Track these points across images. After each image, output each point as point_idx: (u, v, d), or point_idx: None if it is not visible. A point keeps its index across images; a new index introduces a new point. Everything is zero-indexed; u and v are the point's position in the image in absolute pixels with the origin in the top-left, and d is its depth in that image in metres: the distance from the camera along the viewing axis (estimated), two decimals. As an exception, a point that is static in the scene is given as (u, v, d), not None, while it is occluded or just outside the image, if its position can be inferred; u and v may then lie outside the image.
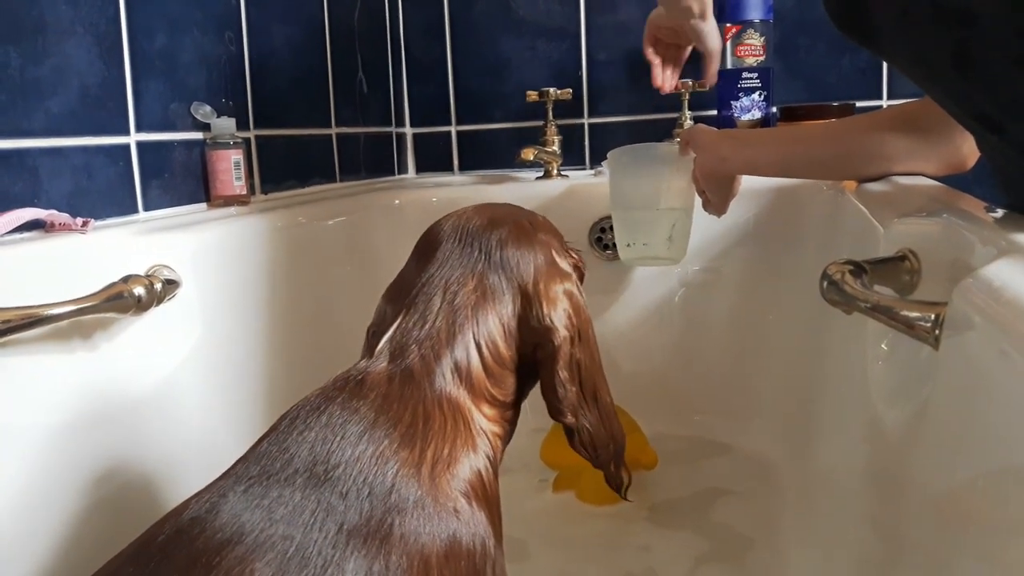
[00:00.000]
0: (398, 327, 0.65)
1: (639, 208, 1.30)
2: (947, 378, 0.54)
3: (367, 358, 0.64)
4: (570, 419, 0.69)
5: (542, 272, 0.69)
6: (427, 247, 0.71)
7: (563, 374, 0.68)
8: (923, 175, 1.00)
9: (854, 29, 0.69)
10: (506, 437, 0.67)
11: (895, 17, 0.63)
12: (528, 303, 0.68)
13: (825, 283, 0.68)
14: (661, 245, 1.30)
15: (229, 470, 0.55)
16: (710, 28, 1.27)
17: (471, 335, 0.65)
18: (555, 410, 0.69)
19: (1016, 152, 0.61)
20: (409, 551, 0.51)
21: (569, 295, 0.70)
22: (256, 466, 0.54)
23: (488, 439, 0.63)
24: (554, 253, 0.71)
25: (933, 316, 0.54)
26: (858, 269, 0.68)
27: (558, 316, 0.68)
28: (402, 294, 0.69)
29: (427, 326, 0.65)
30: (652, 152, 1.30)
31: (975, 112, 0.62)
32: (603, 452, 0.72)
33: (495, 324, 0.66)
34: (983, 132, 0.63)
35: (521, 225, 0.72)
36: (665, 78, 1.39)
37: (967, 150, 0.97)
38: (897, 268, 0.71)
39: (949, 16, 0.58)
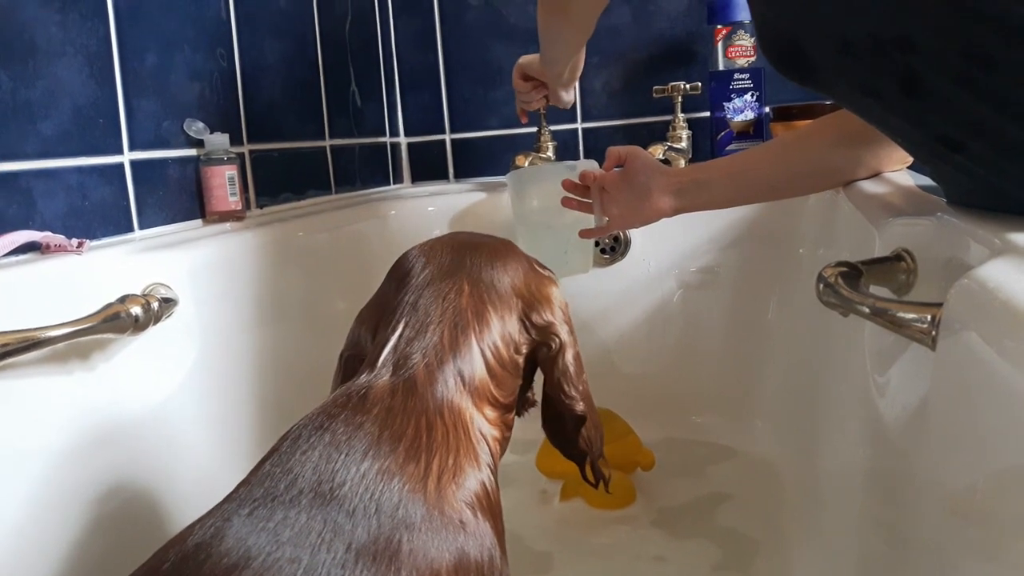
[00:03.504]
0: (400, 337, 0.66)
1: (537, 223, 1.35)
2: (945, 378, 0.54)
3: (368, 372, 0.64)
4: (582, 408, 0.72)
5: (531, 275, 0.73)
6: (407, 270, 0.73)
7: (572, 366, 0.71)
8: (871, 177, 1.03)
9: (794, 70, 0.69)
10: (504, 442, 0.68)
11: (835, 53, 0.63)
12: (527, 305, 0.70)
13: (821, 286, 0.68)
14: (560, 258, 1.34)
15: (232, 493, 0.55)
16: (568, 96, 1.41)
17: (474, 340, 0.66)
18: (568, 399, 0.71)
19: (981, 168, 0.61)
20: (419, 566, 0.51)
21: (558, 294, 0.73)
22: (259, 488, 0.54)
23: (488, 445, 0.64)
24: (532, 263, 0.75)
25: (929, 317, 0.54)
26: (853, 271, 0.68)
27: (556, 314, 0.71)
28: (388, 313, 0.69)
29: (429, 334, 0.65)
30: (548, 171, 1.38)
31: (933, 134, 0.62)
32: (594, 446, 0.75)
33: (496, 328, 0.68)
34: (945, 152, 0.63)
35: (498, 241, 0.76)
36: (530, 100, 1.45)
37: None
38: (893, 268, 0.71)
39: (889, 44, 0.58)
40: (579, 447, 0.75)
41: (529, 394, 0.77)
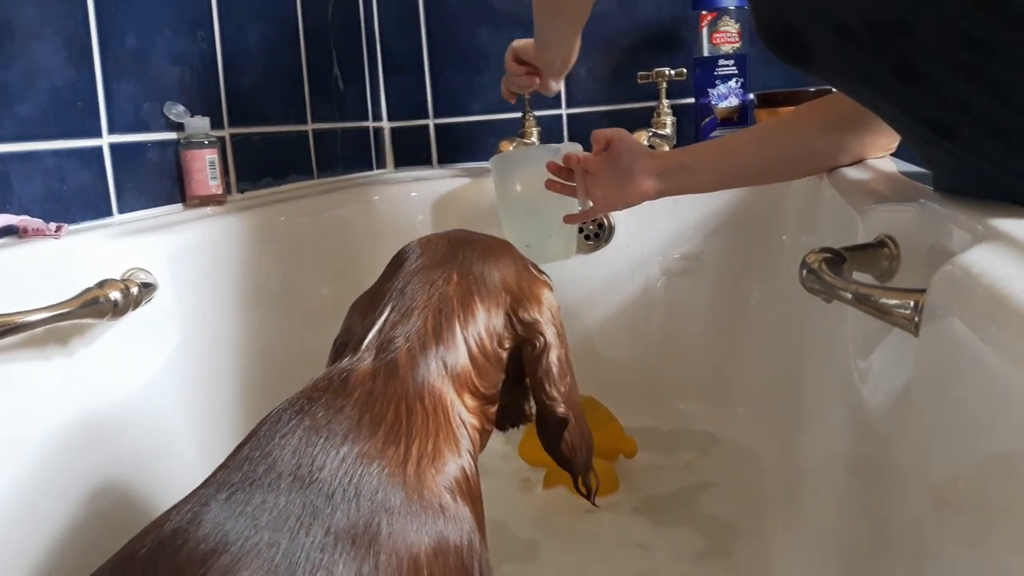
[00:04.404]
0: (385, 321, 0.66)
1: (521, 208, 1.35)
2: (927, 365, 0.54)
3: (351, 355, 0.64)
4: (563, 410, 0.71)
5: (523, 274, 0.73)
6: (403, 260, 0.73)
7: (556, 367, 0.70)
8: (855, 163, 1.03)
9: (788, 52, 0.69)
10: (484, 434, 0.68)
11: (830, 37, 0.63)
12: (516, 300, 0.70)
13: (804, 272, 0.68)
14: (543, 243, 1.34)
15: (209, 478, 0.54)
16: (557, 85, 1.41)
17: (458, 327, 0.66)
18: (548, 400, 0.70)
19: (971, 154, 0.61)
20: (398, 550, 0.51)
21: (549, 297, 0.73)
22: (238, 472, 0.53)
23: (468, 432, 0.64)
24: (527, 263, 0.75)
25: (912, 303, 0.54)
26: (837, 257, 0.68)
27: (544, 314, 0.70)
28: (377, 299, 0.69)
29: (413, 318, 0.65)
30: (531, 155, 1.36)
31: (924, 119, 0.62)
32: (579, 453, 0.73)
33: (481, 319, 0.68)
34: (934, 138, 0.63)
35: (495, 240, 0.76)
36: (522, 85, 1.42)
37: (891, 136, 1.00)
38: (876, 254, 0.71)
39: (886, 29, 0.58)
40: (563, 453, 0.74)
41: (527, 407, 0.76)
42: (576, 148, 1.25)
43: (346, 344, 0.69)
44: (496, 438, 0.72)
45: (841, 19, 0.61)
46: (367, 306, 0.70)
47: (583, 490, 0.77)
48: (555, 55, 1.30)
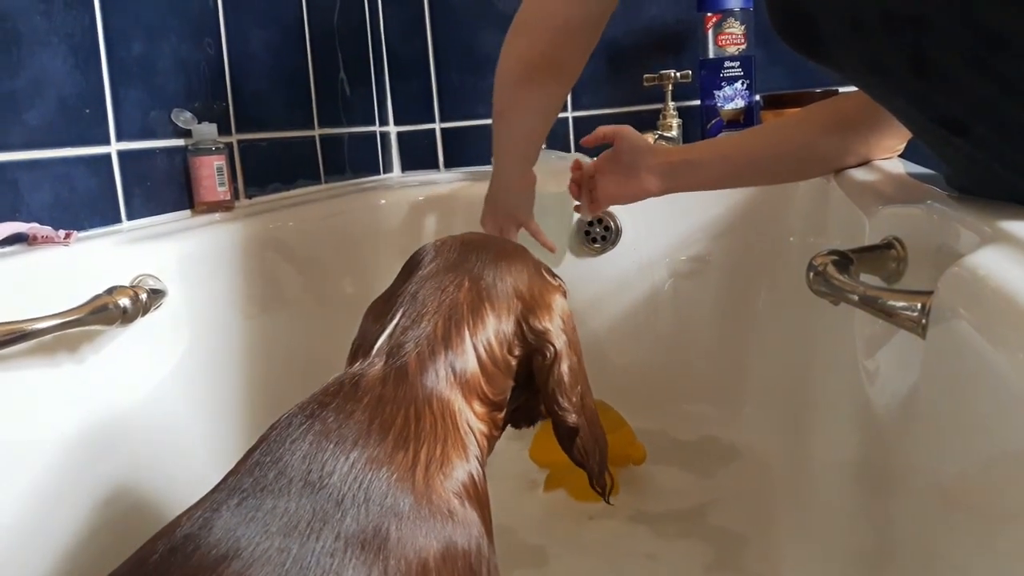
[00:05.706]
0: (396, 326, 0.66)
1: None
2: (935, 367, 0.54)
3: (363, 360, 0.64)
4: (574, 419, 0.70)
5: (536, 281, 0.72)
6: (417, 263, 0.73)
7: (567, 377, 0.70)
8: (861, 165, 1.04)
9: (801, 41, 0.68)
10: (492, 440, 0.68)
11: (846, 27, 0.62)
12: (527, 308, 0.69)
13: (811, 274, 0.68)
14: (537, 247, 1.30)
15: (220, 483, 0.55)
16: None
17: (467, 334, 0.66)
18: (560, 409, 0.70)
19: (982, 152, 0.61)
20: (407, 555, 0.51)
21: (561, 304, 0.72)
22: (249, 477, 0.53)
23: (476, 437, 0.64)
24: (541, 268, 0.74)
25: (919, 305, 0.54)
26: (844, 259, 0.68)
27: (555, 322, 0.70)
28: (390, 302, 0.69)
29: (424, 323, 0.65)
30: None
31: (937, 116, 0.62)
32: (592, 457, 0.74)
33: (491, 325, 0.67)
34: (947, 135, 0.63)
35: (509, 244, 0.75)
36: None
37: (897, 138, 1.01)
38: (883, 256, 0.71)
39: (902, 22, 0.57)
40: (575, 458, 0.74)
41: (540, 407, 0.77)
42: (583, 160, 1.25)
43: (361, 347, 0.69)
44: (500, 439, 0.72)
45: (857, 9, 0.60)
46: (381, 310, 0.70)
47: (598, 489, 0.77)
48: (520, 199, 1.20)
